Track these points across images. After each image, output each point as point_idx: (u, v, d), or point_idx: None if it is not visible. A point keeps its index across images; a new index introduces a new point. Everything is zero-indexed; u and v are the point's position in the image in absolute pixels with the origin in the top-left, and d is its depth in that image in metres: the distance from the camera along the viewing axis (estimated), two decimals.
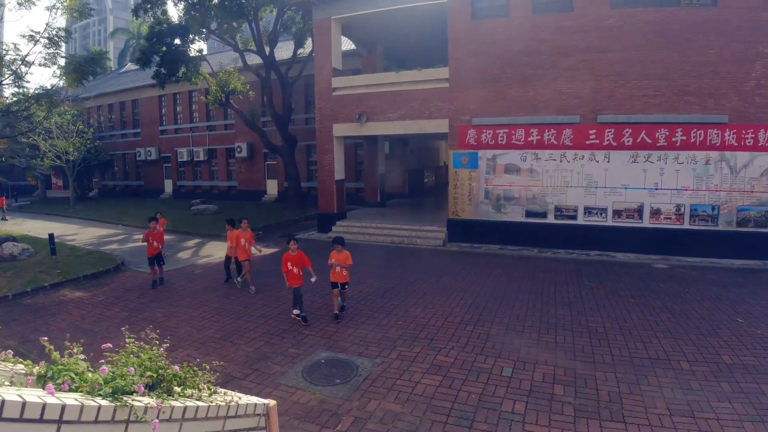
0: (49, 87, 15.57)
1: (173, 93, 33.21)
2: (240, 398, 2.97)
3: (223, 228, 21.06)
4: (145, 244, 11.53)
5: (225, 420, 2.74)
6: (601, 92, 14.02)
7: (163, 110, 34.99)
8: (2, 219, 25.60)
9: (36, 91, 15.54)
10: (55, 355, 2.41)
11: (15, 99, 15.65)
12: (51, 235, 14.64)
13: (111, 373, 2.34)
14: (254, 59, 25.61)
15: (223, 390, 3.02)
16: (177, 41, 22.23)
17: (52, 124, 28.52)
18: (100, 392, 2.19)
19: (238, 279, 11.47)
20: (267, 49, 23.73)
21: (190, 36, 22.65)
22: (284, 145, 24.71)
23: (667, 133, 13.40)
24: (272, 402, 3.22)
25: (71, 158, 29.87)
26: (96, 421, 2.05)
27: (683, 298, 9.74)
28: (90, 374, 2.27)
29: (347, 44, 24.89)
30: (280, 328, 8.55)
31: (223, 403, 2.75)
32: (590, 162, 14.23)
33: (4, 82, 15.07)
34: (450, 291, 10.49)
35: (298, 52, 24.94)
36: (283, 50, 28.11)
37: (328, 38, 18.11)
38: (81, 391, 2.19)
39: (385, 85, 17.10)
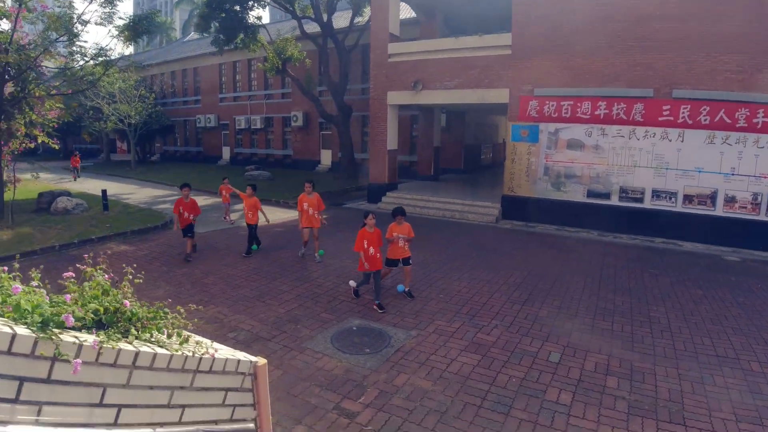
0: (105, 46, 15.66)
1: (233, 61, 33.52)
2: (217, 350, 2.52)
3: (276, 193, 21.40)
4: (176, 216, 10.24)
5: (194, 375, 2.31)
6: (678, 65, 12.64)
7: (223, 78, 35.42)
8: (74, 179, 26.60)
9: (92, 51, 15.70)
10: (5, 276, 2.03)
11: (72, 58, 15.83)
12: (104, 192, 14.97)
13: (47, 301, 1.93)
14: (312, 27, 25.23)
15: (201, 339, 2.59)
16: (236, 7, 22.08)
17: (116, 89, 29.32)
18: (26, 320, 1.78)
19: (302, 252, 10.55)
20: (325, 17, 23.26)
21: (249, 2, 22.45)
22: (339, 115, 24.36)
23: (748, 113, 11.94)
24: (261, 360, 2.78)
25: (133, 122, 30.72)
26: (9, 353, 1.64)
27: (756, 294, 8.63)
28: (25, 302, 1.86)
29: (406, 11, 24.06)
30: (316, 293, 8.21)
31: (192, 354, 2.31)
32: (662, 140, 12.98)
33: (59, 40, 15.27)
34: (498, 268, 9.81)
35: (356, 20, 24.34)
36: (341, 18, 27.57)
37: (386, 1, 17.41)
38: (5, 316, 1.79)
39: (442, 51, 16.28)
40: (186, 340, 2.40)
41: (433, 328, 6.80)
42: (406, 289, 8.04)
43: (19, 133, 18.66)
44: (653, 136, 13.05)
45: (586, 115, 13.74)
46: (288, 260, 10.18)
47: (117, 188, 22.16)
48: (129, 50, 41.48)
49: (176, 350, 2.23)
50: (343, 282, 8.65)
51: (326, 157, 30.11)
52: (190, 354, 2.28)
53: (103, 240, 11.65)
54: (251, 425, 2.69)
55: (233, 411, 2.56)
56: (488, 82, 15.31)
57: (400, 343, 6.29)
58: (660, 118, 12.91)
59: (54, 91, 16.48)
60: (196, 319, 3.19)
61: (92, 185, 23.32)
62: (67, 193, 16.11)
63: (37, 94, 14.19)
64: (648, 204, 13.32)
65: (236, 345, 6.17)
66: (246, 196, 10.65)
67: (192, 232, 10.25)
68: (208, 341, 2.59)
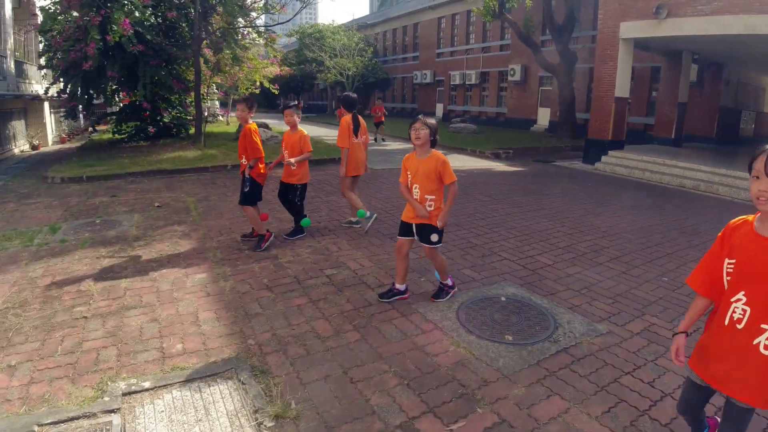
0: None
1: (452, 14, 32.02)
2: None
3: (474, 143, 19.36)
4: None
5: None
6: None
7: (441, 33, 34.13)
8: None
9: None
10: None
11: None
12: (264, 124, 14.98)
13: None
14: None
15: None
16: None
17: (339, 45, 30.12)
18: None
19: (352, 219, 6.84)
20: None
21: None
22: (561, 64, 20.77)
23: None
24: None
25: (350, 73, 31.40)
26: None
27: None
28: None
29: None
30: (470, 242, 5.92)
31: None
32: None
33: None
34: None
35: None
36: None
37: None
38: None
39: None
40: None
41: (640, 326, 3.98)
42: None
43: (240, 74, 19.84)
44: None
45: None
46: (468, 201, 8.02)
47: (323, 132, 22.70)
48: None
49: None
50: (505, 237, 6.17)
51: (543, 116, 26.61)
52: None
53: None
54: None
55: None
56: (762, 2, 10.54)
57: (573, 340, 3.69)
58: None
59: (263, 30, 16.84)
60: None
61: (307, 130, 24.14)
62: (265, 125, 16.47)
63: (240, 25, 14.46)
64: None
65: (327, 287, 4.38)
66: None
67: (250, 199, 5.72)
68: None
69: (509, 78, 27.59)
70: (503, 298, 4.33)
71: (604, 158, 14.31)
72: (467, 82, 31.42)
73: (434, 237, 4.01)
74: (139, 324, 3.87)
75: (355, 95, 6.90)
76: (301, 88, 43.82)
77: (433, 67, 34.88)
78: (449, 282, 4.34)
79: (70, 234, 6.53)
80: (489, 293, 4.44)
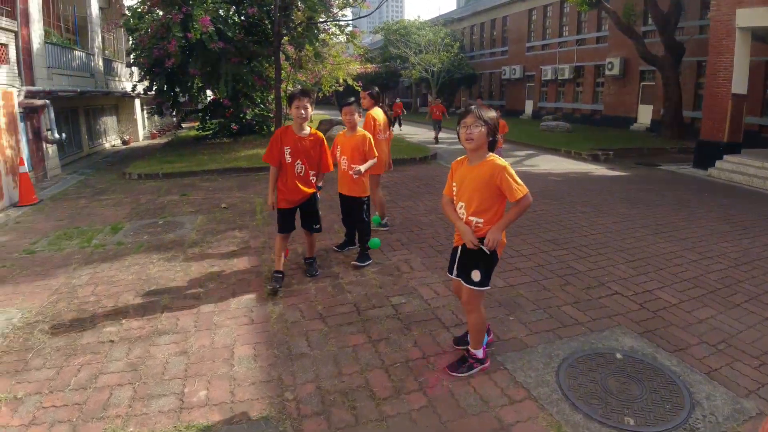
0: None
1: (543, 5, 30.10)
2: None
3: (568, 143, 17.76)
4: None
5: None
6: None
7: (532, 25, 32.23)
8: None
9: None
10: None
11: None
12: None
13: None
14: None
15: None
16: None
17: (425, 40, 29.37)
18: None
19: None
20: None
21: None
22: (666, 56, 18.58)
23: None
24: None
25: (435, 69, 30.53)
26: None
27: None
28: None
29: None
30: (572, 268, 4.83)
31: None
32: None
33: None
34: None
35: None
36: None
37: None
38: None
39: None
40: None
41: None
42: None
43: (324, 71, 19.55)
44: None
45: None
46: (546, 213, 6.91)
47: (405, 129, 22.22)
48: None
49: None
50: (613, 262, 5.01)
51: (644, 114, 24.18)
52: None
53: None
54: None
55: None
56: None
57: (716, 428, 2.60)
58: None
59: (344, 24, 16.34)
60: None
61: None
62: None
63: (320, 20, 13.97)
64: None
65: (391, 321, 3.52)
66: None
67: (317, 221, 4.61)
68: None
69: (606, 72, 25.37)
70: (619, 355, 3.27)
71: (718, 163, 12.39)
72: (560, 77, 29.39)
73: (476, 275, 2.84)
74: (166, 357, 3.26)
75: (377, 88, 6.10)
76: (385, 85, 43.42)
77: (522, 62, 33.06)
78: (480, 354, 3.02)
79: (129, 236, 6.21)
80: (599, 345, 3.40)
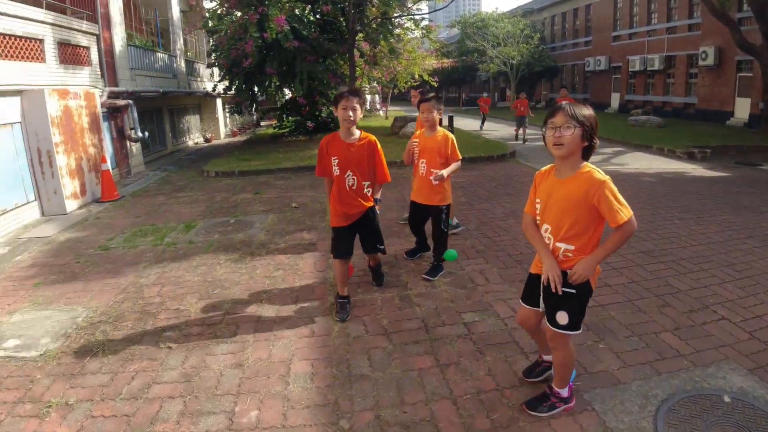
0: None
1: None
2: None
3: (660, 139, 16.36)
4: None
5: None
6: None
7: (618, 14, 30.19)
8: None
9: None
10: None
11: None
12: (450, 117, 13.82)
13: None
14: None
15: None
16: None
17: (503, 32, 28.40)
18: None
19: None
20: None
21: None
22: (764, 45, 16.63)
23: None
24: None
25: (514, 62, 29.45)
26: None
27: None
28: None
29: None
30: (671, 286, 4.20)
31: None
32: None
33: None
34: None
35: None
36: None
37: None
38: None
39: None
40: None
41: None
42: None
43: (399, 67, 19.31)
44: None
45: None
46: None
47: (486, 126, 21.17)
48: None
49: None
50: (719, 279, 4.32)
51: (742, 108, 21.88)
52: None
53: None
54: None
55: None
56: None
57: None
58: None
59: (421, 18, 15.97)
60: None
61: (461, 123, 22.86)
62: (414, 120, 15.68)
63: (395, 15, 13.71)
64: None
65: (463, 342, 3.14)
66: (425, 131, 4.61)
67: (378, 239, 3.99)
68: None
69: (700, 62, 23.22)
70: (727, 398, 2.69)
71: None
72: (649, 68, 27.31)
73: (562, 317, 2.29)
74: (221, 368, 3.07)
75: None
76: (462, 79, 42.57)
77: (608, 52, 31.10)
78: (565, 392, 2.53)
79: (200, 234, 6.22)
80: (704, 385, 2.82)
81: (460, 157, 4.38)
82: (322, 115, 16.87)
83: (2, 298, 4.46)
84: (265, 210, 7.36)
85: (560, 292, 2.24)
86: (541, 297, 2.42)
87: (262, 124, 24.00)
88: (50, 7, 8.49)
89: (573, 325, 2.30)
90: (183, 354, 3.27)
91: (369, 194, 3.72)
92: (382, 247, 3.91)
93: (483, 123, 20.97)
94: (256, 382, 2.92)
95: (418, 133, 4.53)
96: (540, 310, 2.47)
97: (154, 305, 4.08)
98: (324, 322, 3.65)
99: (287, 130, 17.27)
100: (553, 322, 2.33)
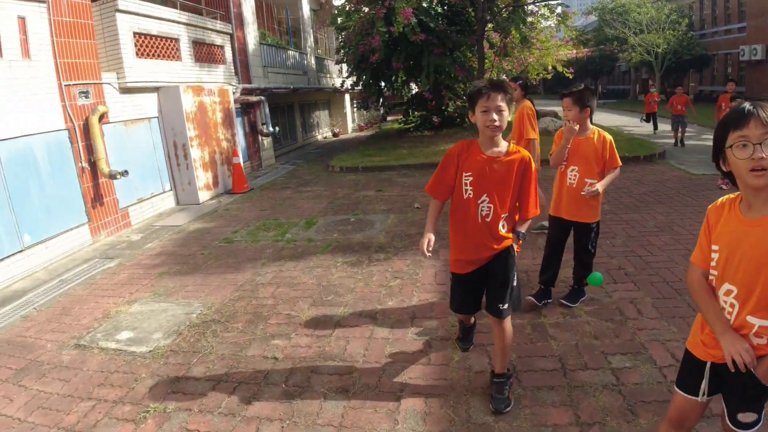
0: None
1: None
2: None
3: None
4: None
5: None
6: None
7: None
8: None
9: None
10: None
11: None
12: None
13: None
14: None
15: None
16: None
17: (646, 18, 25.73)
18: None
19: None
20: None
21: None
22: None
23: None
24: None
25: (660, 50, 26.56)
26: None
27: None
28: None
29: None
30: None
31: None
32: None
33: None
34: None
35: None
36: None
37: None
38: None
39: None
40: None
41: None
42: None
43: (531, 59, 18.21)
44: None
45: None
46: None
47: (622, 120, 19.47)
48: None
49: None
50: None
51: None
52: None
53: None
54: None
55: None
56: None
57: None
58: None
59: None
60: None
61: (601, 118, 20.94)
62: (554, 114, 14.55)
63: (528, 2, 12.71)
64: None
65: (610, 394, 2.51)
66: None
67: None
68: None
69: None
70: None
71: None
72: None
73: (748, 418, 1.57)
74: (325, 391, 2.78)
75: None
76: (599, 70, 39.42)
77: (765, 41, 26.89)
78: None
79: (320, 232, 6.12)
80: None
81: (620, 163, 3.50)
82: (449, 110, 16.38)
83: (127, 285, 4.65)
84: (386, 209, 7.09)
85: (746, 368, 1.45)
86: (705, 384, 1.64)
87: (389, 118, 24.12)
88: (185, 8, 8.97)
89: (759, 421, 1.58)
90: (288, 368, 3.03)
91: (504, 233, 2.54)
92: (504, 306, 2.56)
93: (654, 124, 15.74)
94: (361, 414, 2.56)
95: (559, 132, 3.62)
96: (707, 401, 1.67)
97: (267, 308, 3.94)
98: (442, 348, 3.19)
99: (413, 125, 17.07)
100: (735, 421, 1.60)
